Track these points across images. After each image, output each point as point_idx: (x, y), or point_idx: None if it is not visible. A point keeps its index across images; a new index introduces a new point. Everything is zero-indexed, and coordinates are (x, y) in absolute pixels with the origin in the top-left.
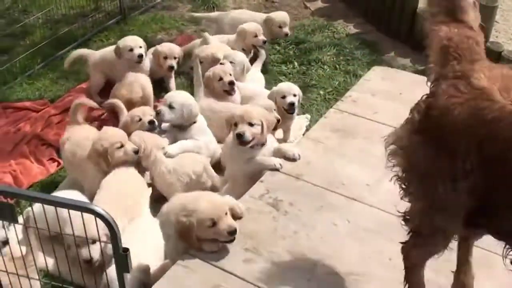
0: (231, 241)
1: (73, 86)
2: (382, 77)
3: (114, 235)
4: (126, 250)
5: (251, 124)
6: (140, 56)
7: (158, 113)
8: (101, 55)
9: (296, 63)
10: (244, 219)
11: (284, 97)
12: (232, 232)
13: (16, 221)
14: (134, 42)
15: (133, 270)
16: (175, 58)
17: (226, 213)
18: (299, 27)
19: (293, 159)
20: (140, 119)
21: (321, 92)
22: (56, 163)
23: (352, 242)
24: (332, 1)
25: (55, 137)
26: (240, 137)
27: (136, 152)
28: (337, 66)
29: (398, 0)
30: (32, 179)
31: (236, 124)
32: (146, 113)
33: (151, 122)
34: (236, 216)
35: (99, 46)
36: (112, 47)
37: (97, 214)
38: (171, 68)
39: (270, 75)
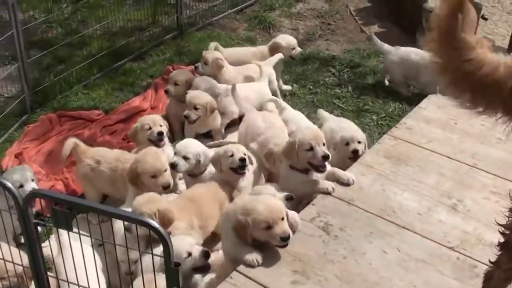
0: (284, 246)
1: (128, 98)
2: (438, 106)
3: (166, 249)
4: (178, 264)
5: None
6: None
7: (174, 166)
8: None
9: (350, 87)
10: (294, 241)
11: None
12: (285, 238)
13: (70, 229)
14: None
15: None
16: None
17: (282, 218)
18: (354, 51)
19: (347, 184)
20: (150, 128)
21: (374, 117)
22: None
23: (401, 271)
24: (388, 26)
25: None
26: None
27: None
28: (392, 91)
29: None
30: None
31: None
32: (157, 122)
33: (159, 133)
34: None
35: (155, 60)
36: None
37: (151, 227)
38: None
39: (324, 97)
